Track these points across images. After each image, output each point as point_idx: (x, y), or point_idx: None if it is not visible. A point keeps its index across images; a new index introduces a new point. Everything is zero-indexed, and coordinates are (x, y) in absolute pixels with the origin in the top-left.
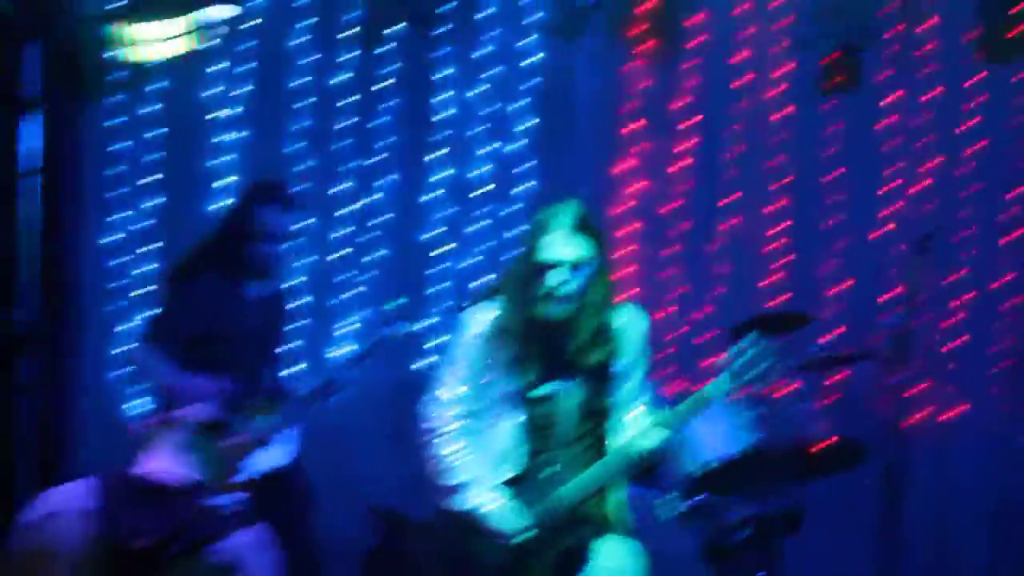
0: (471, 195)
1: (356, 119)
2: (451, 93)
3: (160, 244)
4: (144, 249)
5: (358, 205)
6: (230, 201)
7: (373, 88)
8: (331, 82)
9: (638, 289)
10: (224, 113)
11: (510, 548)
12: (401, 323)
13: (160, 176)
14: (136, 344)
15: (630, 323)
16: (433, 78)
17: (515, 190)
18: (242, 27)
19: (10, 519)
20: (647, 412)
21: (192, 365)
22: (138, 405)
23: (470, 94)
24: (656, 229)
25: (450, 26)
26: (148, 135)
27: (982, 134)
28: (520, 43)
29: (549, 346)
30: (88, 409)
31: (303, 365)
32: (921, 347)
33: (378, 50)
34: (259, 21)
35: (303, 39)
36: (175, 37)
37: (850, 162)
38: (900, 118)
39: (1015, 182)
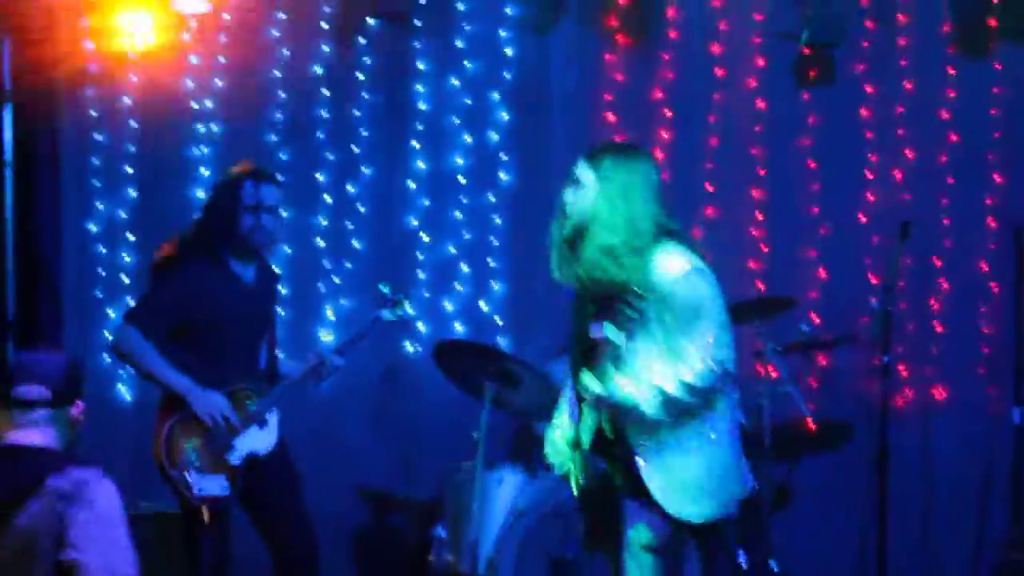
0: (450, 185)
1: (332, 112)
2: (427, 87)
3: (139, 234)
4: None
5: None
6: (214, 185)
7: (349, 81)
8: (307, 74)
9: None
10: (200, 105)
11: None
12: (398, 306)
13: (138, 167)
14: (121, 330)
15: None
16: (409, 70)
17: (492, 181)
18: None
19: None
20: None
21: (182, 349)
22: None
23: (447, 86)
24: None
25: (425, 19)
26: (125, 126)
27: (956, 125)
28: (496, 35)
29: None
30: None
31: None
32: (903, 332)
33: (354, 42)
34: (229, 16)
35: (277, 32)
36: (149, 29)
37: (827, 153)
38: (875, 110)
39: (989, 171)
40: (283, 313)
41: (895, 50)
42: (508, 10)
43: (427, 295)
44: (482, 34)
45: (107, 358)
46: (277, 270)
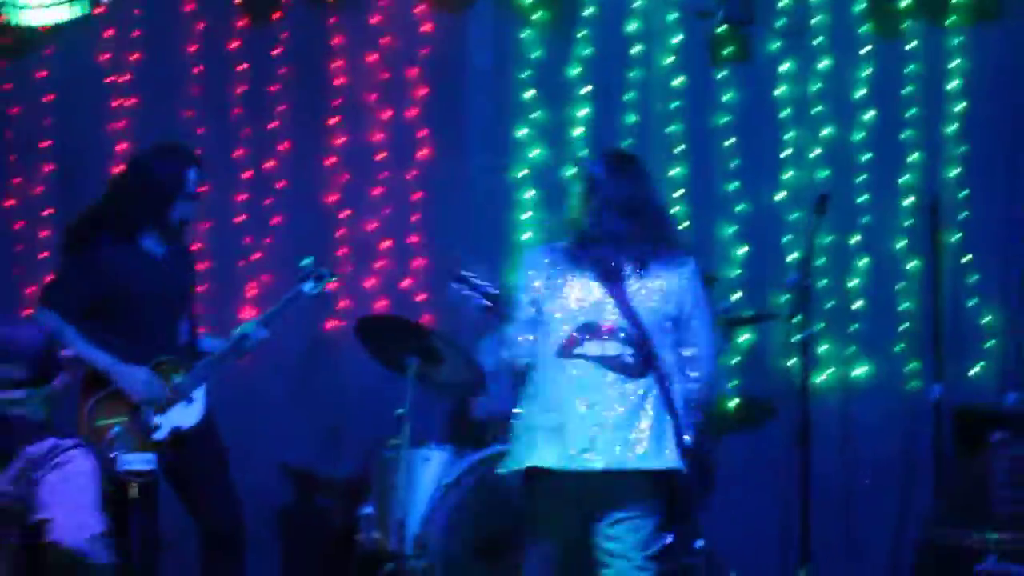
0: (368, 161)
1: (250, 86)
2: (344, 63)
3: (57, 208)
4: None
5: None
6: (144, 163)
7: (266, 56)
8: (224, 49)
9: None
10: (115, 78)
11: None
12: (320, 280)
13: (54, 141)
14: (39, 313)
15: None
16: (326, 47)
17: (410, 157)
18: None
19: None
20: None
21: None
22: None
23: (364, 62)
24: (555, 195)
25: None
26: (40, 100)
27: (871, 103)
28: (410, 13)
29: None
30: None
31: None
32: (822, 309)
33: (270, 17)
34: None
35: (195, 6)
36: (63, 3)
37: (744, 131)
38: (791, 88)
39: (905, 148)
40: (204, 290)
41: (810, 28)
42: None
43: (348, 271)
44: (397, 12)
45: None
46: (189, 247)
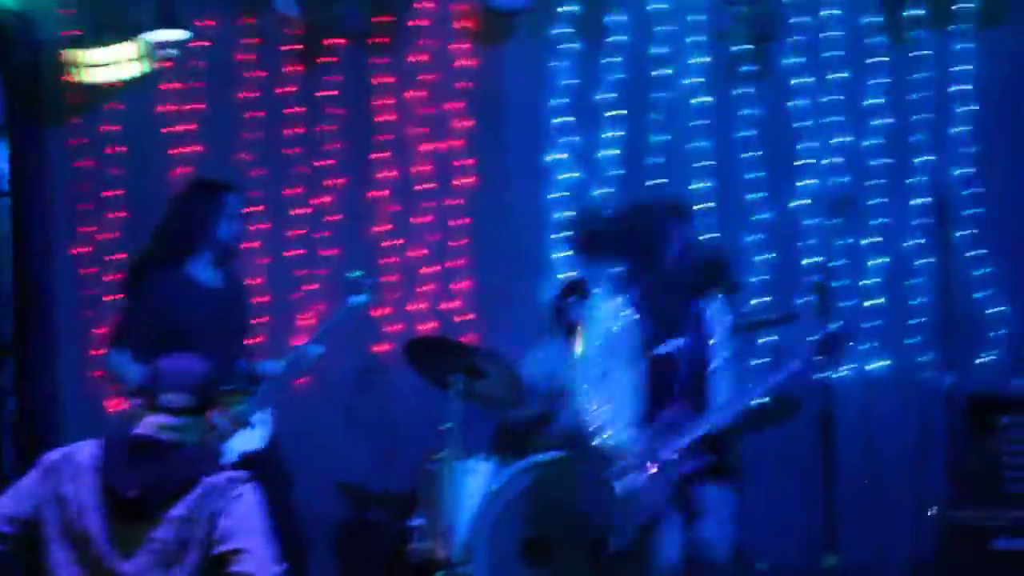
0: (414, 192)
1: (303, 128)
2: (390, 99)
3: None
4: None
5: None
6: (184, 196)
7: (317, 97)
8: (278, 94)
9: (575, 271)
10: (178, 128)
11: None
12: (366, 288)
13: (123, 190)
14: (110, 357)
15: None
16: (371, 86)
17: (453, 186)
18: (191, 47)
19: None
20: None
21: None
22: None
23: (408, 97)
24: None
25: (386, 37)
26: (109, 152)
27: (884, 111)
28: (452, 48)
29: None
30: (70, 408)
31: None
32: (840, 308)
33: (318, 63)
34: (208, 43)
35: (249, 56)
36: (128, 60)
37: (766, 142)
38: (808, 100)
39: (916, 152)
40: (261, 321)
41: (826, 42)
42: (458, 25)
43: (396, 296)
44: (438, 49)
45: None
46: (241, 277)
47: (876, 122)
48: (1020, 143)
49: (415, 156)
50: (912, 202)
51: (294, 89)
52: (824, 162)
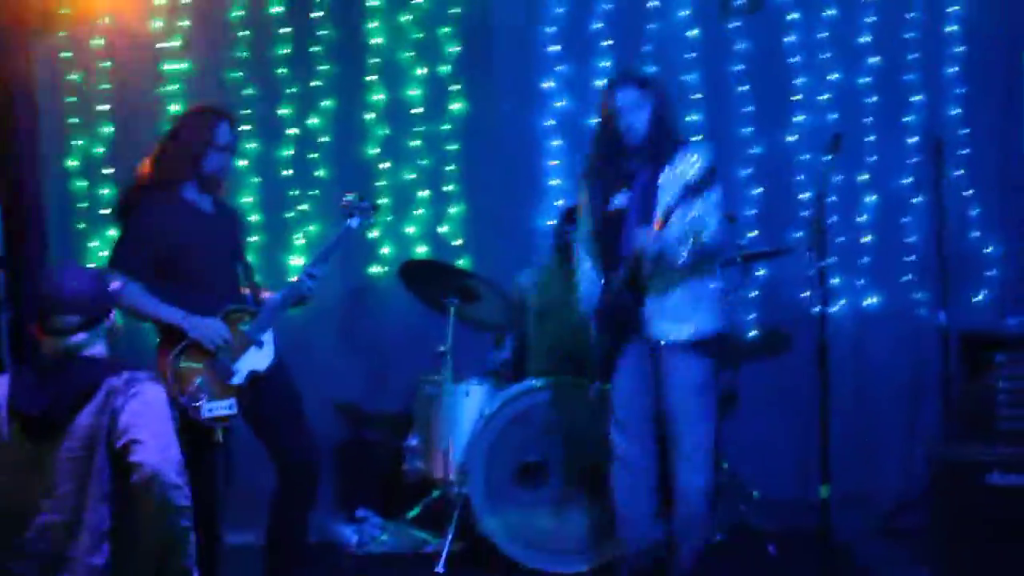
0: (406, 115)
1: (293, 48)
2: (380, 23)
3: (116, 168)
4: (104, 172)
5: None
6: (180, 121)
7: (307, 19)
8: (268, 13)
9: (564, 200)
10: (167, 44)
11: None
12: (365, 212)
13: (111, 104)
14: (107, 274)
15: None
16: (363, 8)
17: (444, 110)
18: None
19: None
20: None
21: (167, 283)
22: None
23: (399, 22)
24: (579, 143)
25: None
26: (97, 66)
27: (876, 48)
28: None
29: None
30: None
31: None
32: (834, 244)
33: None
34: None
35: None
36: None
37: (756, 77)
38: (800, 36)
39: (909, 90)
40: (255, 240)
41: None
42: None
43: (389, 219)
44: None
45: None
46: (234, 206)
47: (868, 60)
48: (1009, 82)
49: (406, 80)
50: (904, 140)
51: (283, 8)
52: (818, 98)
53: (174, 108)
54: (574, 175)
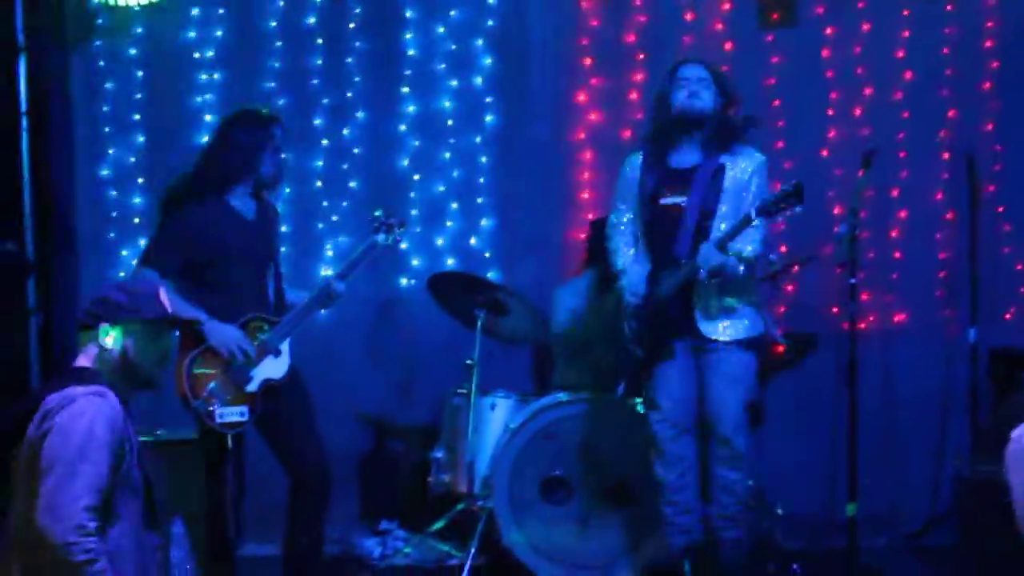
0: (438, 127)
1: (326, 59)
2: (414, 35)
3: (148, 177)
4: (137, 181)
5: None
6: (231, 123)
7: (341, 30)
8: (301, 24)
9: (596, 213)
10: (201, 54)
11: None
12: (392, 229)
13: (145, 114)
14: (137, 273)
15: None
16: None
17: (477, 123)
18: None
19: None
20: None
21: (195, 285)
22: None
23: (433, 33)
24: (612, 156)
25: None
26: (132, 75)
27: (911, 64)
28: None
29: None
30: None
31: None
32: (865, 259)
33: None
34: None
35: None
36: None
37: (790, 91)
38: (835, 51)
39: (942, 106)
40: (285, 250)
41: None
42: None
43: (419, 231)
44: None
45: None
46: (276, 206)
47: (902, 75)
48: None
49: (439, 91)
50: (937, 155)
51: (318, 19)
52: (851, 113)
53: (208, 118)
54: (607, 189)
